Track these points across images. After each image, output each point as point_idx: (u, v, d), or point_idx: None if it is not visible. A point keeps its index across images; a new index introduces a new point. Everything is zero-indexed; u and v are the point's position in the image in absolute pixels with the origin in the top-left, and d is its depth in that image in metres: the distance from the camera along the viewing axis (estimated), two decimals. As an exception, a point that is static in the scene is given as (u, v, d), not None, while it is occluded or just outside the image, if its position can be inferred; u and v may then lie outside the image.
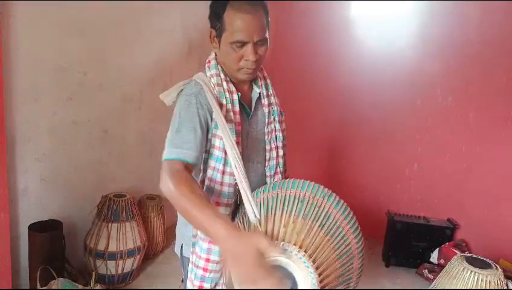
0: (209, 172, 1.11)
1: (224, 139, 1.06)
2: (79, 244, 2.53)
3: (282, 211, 0.91)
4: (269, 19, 1.13)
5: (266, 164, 1.25)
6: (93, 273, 2.29)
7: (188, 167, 1.02)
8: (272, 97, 1.26)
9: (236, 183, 1.06)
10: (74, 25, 2.42)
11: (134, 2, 2.76)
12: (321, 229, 0.89)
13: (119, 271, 2.48)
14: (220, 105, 1.10)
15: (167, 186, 0.95)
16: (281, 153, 1.27)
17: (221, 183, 1.11)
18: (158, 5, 2.98)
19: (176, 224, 1.31)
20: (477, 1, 2.91)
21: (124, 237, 2.47)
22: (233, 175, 1.07)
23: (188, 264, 1.18)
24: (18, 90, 2.21)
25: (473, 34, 2.95)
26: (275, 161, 1.25)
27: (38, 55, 2.28)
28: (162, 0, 2.98)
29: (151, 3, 2.91)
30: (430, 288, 2.16)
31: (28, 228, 2.26)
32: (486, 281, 1.85)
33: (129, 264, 2.51)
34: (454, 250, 2.83)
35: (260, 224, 0.90)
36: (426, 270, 2.92)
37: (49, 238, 2.24)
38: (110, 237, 2.43)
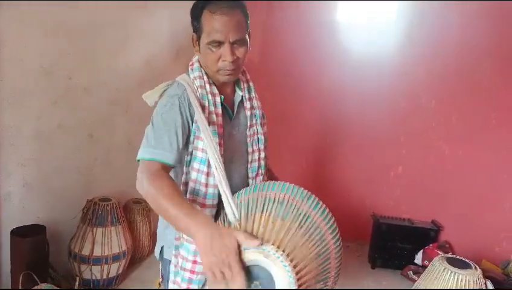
0: (193, 174, 1.13)
1: (206, 141, 1.07)
2: (63, 249, 2.50)
3: (262, 212, 0.93)
4: (248, 20, 1.15)
5: (248, 166, 1.27)
6: (77, 278, 2.27)
7: (165, 168, 1.04)
8: (254, 100, 1.28)
9: None
10: (60, 27, 2.41)
11: (122, 5, 2.76)
12: (300, 229, 0.91)
13: (104, 276, 2.46)
14: (203, 107, 1.12)
15: (144, 186, 0.98)
16: (262, 155, 1.29)
17: (206, 185, 1.12)
18: (146, 8, 2.98)
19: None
20: (459, 5, 2.97)
21: (109, 241, 2.45)
22: None
23: (170, 267, 1.19)
24: (2, 94, 2.19)
25: (456, 39, 3.02)
26: (256, 163, 1.27)
27: (23, 58, 2.27)
28: (150, 0, 2.98)
29: (138, 7, 2.91)
30: (412, 288, 2.20)
31: (11, 232, 2.23)
32: (466, 280, 1.89)
33: (114, 269, 2.50)
34: (438, 251, 2.87)
35: (240, 225, 0.92)
36: (411, 271, 2.96)
37: (32, 243, 2.22)
38: (95, 241, 2.41)
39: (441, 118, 3.14)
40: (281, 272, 0.83)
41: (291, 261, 0.84)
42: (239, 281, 0.81)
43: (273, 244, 0.85)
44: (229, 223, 0.96)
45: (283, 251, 0.85)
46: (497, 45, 2.88)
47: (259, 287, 0.85)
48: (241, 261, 0.84)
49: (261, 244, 0.85)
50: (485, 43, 2.91)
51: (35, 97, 2.36)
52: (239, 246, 0.84)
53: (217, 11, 1.07)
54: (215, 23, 1.07)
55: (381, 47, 3.28)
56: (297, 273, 0.84)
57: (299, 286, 0.84)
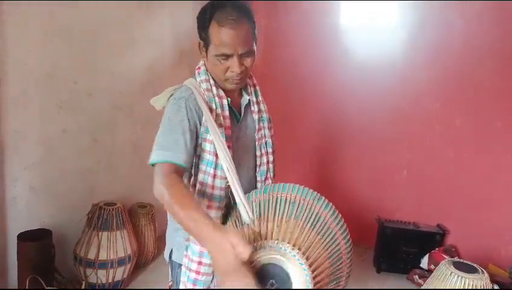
0: (200, 176, 1.13)
1: (215, 143, 1.08)
2: (69, 254, 2.50)
3: (275, 213, 0.94)
4: (256, 29, 1.14)
5: (257, 170, 1.28)
6: (83, 282, 2.27)
7: (179, 170, 1.04)
8: (261, 104, 1.29)
9: (227, 186, 1.08)
10: (63, 32, 2.43)
11: (124, 9, 2.78)
12: (312, 229, 0.92)
13: (110, 280, 2.46)
14: (210, 110, 1.13)
15: (160, 191, 0.98)
16: (271, 158, 1.30)
17: (213, 187, 1.13)
18: (148, 13, 3.01)
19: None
20: (459, 5, 2.97)
21: (115, 245, 2.45)
22: (224, 178, 1.09)
23: (178, 269, 1.20)
24: (7, 98, 2.21)
25: (458, 41, 3.01)
26: (265, 167, 1.28)
27: (28, 63, 2.29)
28: (152, 1, 3.00)
29: (141, 11, 2.93)
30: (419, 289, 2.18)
31: (17, 237, 2.24)
32: (472, 285, 1.88)
33: (120, 273, 2.50)
34: (444, 255, 2.85)
35: (254, 224, 0.93)
36: (417, 275, 2.94)
37: (39, 247, 2.22)
38: (100, 245, 2.41)
39: (445, 121, 3.13)
40: (297, 270, 0.83)
41: (306, 259, 0.85)
42: (248, 283, 0.80)
43: (288, 243, 0.86)
44: (243, 223, 0.96)
45: (299, 250, 0.85)
46: (500, 46, 2.87)
47: (275, 286, 0.85)
48: (247, 263, 0.83)
49: (277, 245, 0.85)
50: (488, 44, 2.90)
51: (39, 102, 2.37)
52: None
53: (225, 24, 1.05)
54: (224, 37, 1.06)
55: (384, 49, 3.28)
56: (312, 272, 0.84)
57: (315, 283, 0.85)
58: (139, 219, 2.84)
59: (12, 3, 2.14)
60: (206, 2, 1.13)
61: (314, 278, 0.85)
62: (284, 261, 0.84)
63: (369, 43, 3.32)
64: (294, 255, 0.84)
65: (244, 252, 0.79)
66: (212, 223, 0.88)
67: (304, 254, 0.85)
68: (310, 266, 0.85)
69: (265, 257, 0.84)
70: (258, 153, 1.27)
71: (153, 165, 1.06)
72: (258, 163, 1.28)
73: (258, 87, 1.31)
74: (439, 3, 3.03)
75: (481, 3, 2.89)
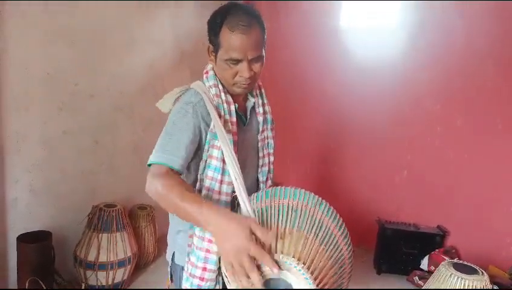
0: (207, 182, 1.13)
1: (223, 149, 1.08)
2: (69, 255, 2.51)
3: (278, 223, 0.93)
4: (265, 35, 1.15)
5: (259, 170, 1.30)
6: (83, 284, 2.27)
7: (173, 172, 1.05)
8: (266, 106, 1.31)
9: (233, 192, 1.08)
10: (64, 34, 2.43)
11: (125, 11, 2.78)
12: (316, 238, 0.91)
13: (110, 282, 2.46)
14: (218, 115, 1.13)
15: (154, 186, 0.99)
16: (272, 159, 1.32)
17: (219, 193, 1.13)
18: (149, 13, 3.01)
19: (167, 232, 1.33)
20: (460, 5, 2.96)
21: (115, 247, 2.45)
22: (231, 185, 1.09)
23: (181, 272, 1.20)
24: (8, 100, 2.21)
25: (459, 42, 3.01)
26: (267, 167, 1.31)
27: (29, 64, 2.29)
28: (153, 1, 3.01)
29: (141, 12, 2.93)
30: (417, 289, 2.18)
31: (17, 238, 2.24)
32: (472, 286, 1.88)
33: (120, 275, 2.50)
34: (444, 257, 2.85)
35: None
36: (417, 277, 2.94)
37: (39, 249, 2.22)
38: (100, 247, 2.41)
39: (446, 122, 3.12)
40: (303, 285, 0.83)
41: (311, 273, 0.84)
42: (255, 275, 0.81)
43: (293, 257, 0.85)
44: None
45: (303, 264, 0.84)
46: (501, 47, 2.86)
47: None
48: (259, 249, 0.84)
49: (281, 259, 0.85)
50: (489, 44, 2.89)
51: (40, 103, 2.37)
52: (254, 234, 0.85)
53: (236, 29, 1.06)
54: (234, 42, 1.07)
55: (384, 50, 3.28)
56: (317, 285, 0.84)
57: None
58: (139, 220, 2.84)
59: (13, 3, 2.15)
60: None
61: None
62: (290, 276, 0.84)
63: (370, 43, 3.32)
64: (300, 270, 0.83)
65: (265, 238, 0.83)
66: (219, 207, 0.90)
67: (308, 268, 0.84)
68: (315, 279, 0.84)
69: (270, 271, 0.84)
70: (260, 154, 1.29)
71: (149, 165, 1.06)
72: (260, 163, 1.29)
73: (263, 90, 1.32)
74: (440, 3, 3.02)
75: (481, 3, 2.88)
